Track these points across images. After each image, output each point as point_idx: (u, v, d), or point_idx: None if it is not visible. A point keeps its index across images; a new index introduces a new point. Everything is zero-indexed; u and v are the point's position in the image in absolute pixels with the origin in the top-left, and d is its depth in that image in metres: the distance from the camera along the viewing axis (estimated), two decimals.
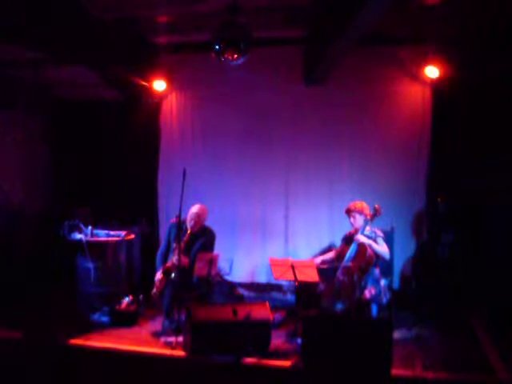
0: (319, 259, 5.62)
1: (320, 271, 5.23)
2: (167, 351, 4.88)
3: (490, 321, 5.49)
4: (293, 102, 6.51)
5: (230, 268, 6.62)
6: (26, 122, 7.38)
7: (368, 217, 5.35)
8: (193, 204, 5.63)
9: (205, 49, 5.04)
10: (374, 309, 5.15)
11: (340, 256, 5.48)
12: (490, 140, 5.93)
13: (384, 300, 5.20)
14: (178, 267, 5.22)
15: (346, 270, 5.24)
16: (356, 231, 5.42)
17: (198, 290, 5.39)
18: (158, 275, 5.51)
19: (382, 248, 5.29)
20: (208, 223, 5.71)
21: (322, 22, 5.41)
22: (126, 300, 5.87)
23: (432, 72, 5.97)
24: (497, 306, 5.53)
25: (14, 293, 6.13)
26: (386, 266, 5.54)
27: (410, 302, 6.01)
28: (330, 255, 5.72)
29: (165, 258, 5.62)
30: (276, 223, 6.65)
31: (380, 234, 5.40)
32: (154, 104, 6.91)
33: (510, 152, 5.84)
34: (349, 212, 5.50)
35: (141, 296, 6.12)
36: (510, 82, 5.75)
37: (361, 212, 5.41)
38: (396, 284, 6.11)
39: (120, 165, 7.12)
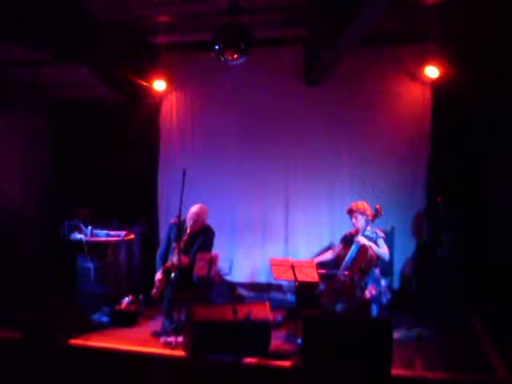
0: (317, 259, 5.61)
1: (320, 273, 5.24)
2: (167, 351, 4.88)
3: (489, 320, 5.49)
4: (292, 101, 6.50)
5: (230, 268, 6.63)
6: (26, 122, 7.37)
7: (369, 217, 5.36)
8: (192, 204, 5.62)
9: (205, 49, 5.05)
10: (374, 309, 5.15)
11: (340, 257, 5.49)
12: (491, 140, 5.93)
13: (384, 300, 5.20)
14: (178, 267, 5.22)
15: (346, 270, 5.24)
16: (357, 231, 5.43)
17: (198, 290, 5.39)
18: (158, 275, 5.50)
19: (382, 250, 5.31)
20: (208, 223, 5.71)
21: (321, 22, 5.40)
22: (126, 300, 5.86)
23: (432, 72, 5.97)
24: (497, 305, 5.53)
25: (14, 293, 6.13)
26: (386, 266, 5.54)
27: (410, 302, 6.01)
28: (328, 255, 5.73)
29: (165, 258, 5.62)
30: (276, 223, 6.65)
31: (381, 234, 5.40)
32: (153, 104, 6.91)
33: (510, 151, 5.84)
34: (351, 212, 5.51)
35: (141, 296, 6.12)
36: (509, 82, 5.75)
37: (363, 212, 5.42)
38: (396, 284, 6.10)
39: (120, 165, 7.11)
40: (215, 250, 5.59)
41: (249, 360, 4.60)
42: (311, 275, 5.12)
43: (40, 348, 4.96)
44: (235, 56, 4.74)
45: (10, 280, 6.25)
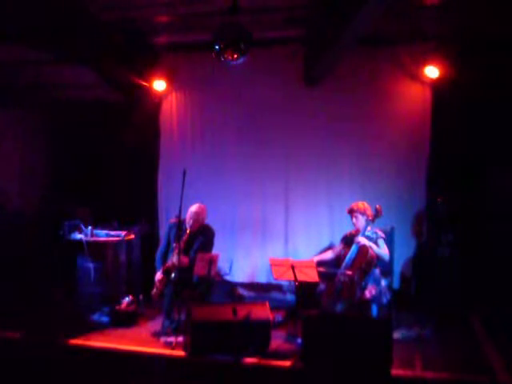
0: (317, 258, 5.60)
1: (320, 271, 5.24)
2: (167, 351, 4.88)
3: (489, 321, 5.49)
4: (292, 101, 6.50)
5: (230, 268, 6.63)
6: (26, 122, 7.38)
7: (370, 217, 5.36)
8: (192, 204, 5.63)
9: (205, 49, 5.05)
10: (374, 309, 5.15)
11: (340, 257, 5.49)
12: (490, 140, 5.93)
13: (384, 300, 5.20)
14: (178, 267, 5.22)
15: (346, 270, 5.24)
16: (357, 231, 5.43)
17: (198, 290, 5.39)
18: (158, 275, 5.51)
19: (382, 250, 5.31)
20: (208, 223, 5.71)
21: (321, 22, 5.41)
22: (126, 300, 5.87)
23: (432, 72, 5.97)
24: (497, 305, 5.53)
25: (14, 293, 6.13)
26: (386, 266, 5.54)
27: (410, 302, 6.01)
28: (328, 255, 5.72)
29: (164, 258, 5.62)
30: (276, 223, 6.64)
31: (381, 234, 5.40)
32: (154, 104, 6.91)
33: (510, 151, 5.85)
34: (351, 212, 5.50)
35: (141, 296, 6.12)
36: (509, 82, 5.75)
37: (363, 213, 5.41)
38: (396, 284, 6.10)
39: (120, 165, 7.12)
40: (215, 250, 5.60)
41: (249, 360, 4.60)
42: (311, 275, 5.12)
43: (40, 348, 4.96)
44: (235, 56, 4.74)
45: (10, 280, 6.26)
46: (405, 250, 6.24)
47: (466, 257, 5.91)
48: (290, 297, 6.46)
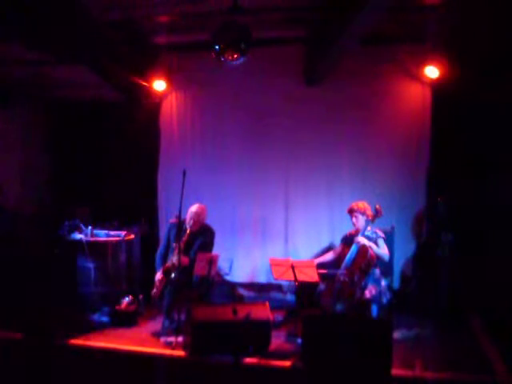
0: (317, 261, 5.60)
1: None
2: (167, 351, 4.88)
3: (489, 321, 5.49)
4: (293, 101, 6.50)
5: (230, 268, 6.63)
6: (26, 122, 7.38)
7: (369, 217, 5.36)
8: (192, 204, 5.63)
9: (205, 49, 5.05)
10: (374, 309, 5.15)
11: (340, 257, 5.49)
12: (490, 140, 5.93)
13: (384, 300, 5.20)
14: (178, 267, 5.22)
15: (346, 270, 5.24)
16: (357, 231, 5.43)
17: (198, 290, 5.39)
18: (158, 275, 5.51)
19: (382, 250, 5.31)
20: (208, 223, 5.71)
21: (322, 22, 5.42)
22: (126, 300, 5.87)
23: (432, 72, 5.97)
24: (496, 305, 5.52)
25: (14, 293, 6.12)
26: (386, 266, 5.54)
27: (410, 302, 6.01)
28: (329, 256, 5.72)
29: (164, 258, 5.62)
30: (276, 223, 6.65)
31: (381, 234, 5.40)
32: (153, 104, 6.91)
33: (510, 152, 5.85)
34: (351, 212, 5.51)
35: (141, 296, 6.12)
36: (509, 82, 5.75)
37: (363, 212, 5.42)
38: (396, 284, 6.11)
39: (120, 165, 7.12)
40: (215, 250, 5.60)
41: (249, 360, 4.60)
42: (311, 275, 5.13)
43: (40, 348, 4.96)
44: (235, 56, 4.74)
45: (10, 280, 6.25)
46: (405, 250, 6.25)
47: (466, 257, 5.91)
48: (290, 297, 6.47)
